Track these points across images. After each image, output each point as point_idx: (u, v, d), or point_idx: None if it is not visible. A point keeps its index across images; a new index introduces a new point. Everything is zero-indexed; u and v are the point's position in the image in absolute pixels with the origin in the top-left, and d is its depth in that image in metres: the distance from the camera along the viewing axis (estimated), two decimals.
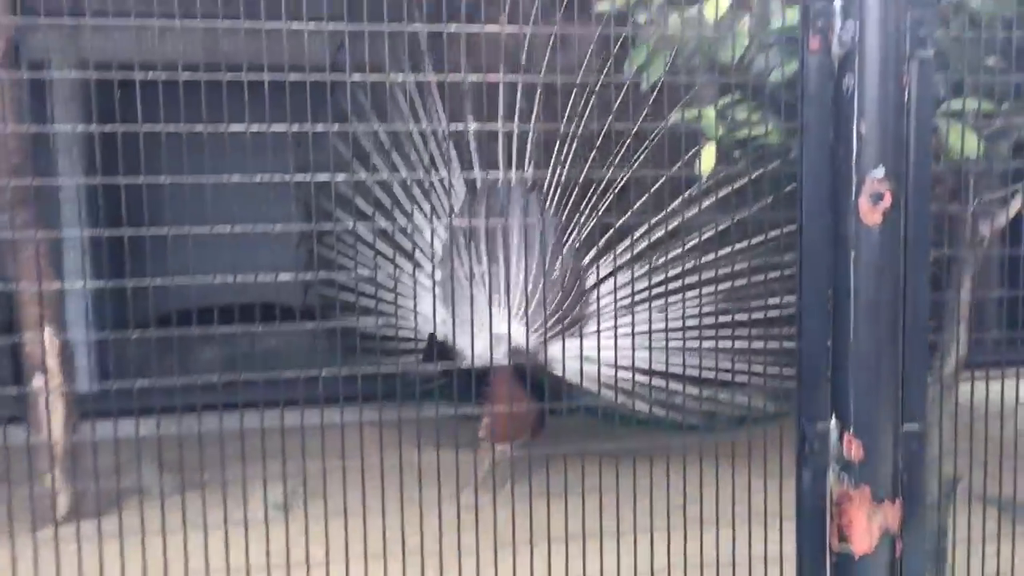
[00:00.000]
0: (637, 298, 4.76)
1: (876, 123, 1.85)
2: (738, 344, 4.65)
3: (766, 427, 4.02)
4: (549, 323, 4.92)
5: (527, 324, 4.85)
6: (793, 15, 2.66)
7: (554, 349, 4.92)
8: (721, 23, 2.79)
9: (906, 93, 1.87)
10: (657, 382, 4.78)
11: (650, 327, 4.72)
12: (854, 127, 1.87)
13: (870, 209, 1.87)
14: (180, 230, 2.33)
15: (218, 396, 2.53)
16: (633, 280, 4.83)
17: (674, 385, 4.77)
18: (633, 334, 4.74)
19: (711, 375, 4.50)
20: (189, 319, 2.44)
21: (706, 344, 4.55)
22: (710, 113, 3.02)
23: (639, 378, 4.80)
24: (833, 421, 1.97)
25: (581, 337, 4.87)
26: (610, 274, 4.95)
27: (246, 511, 2.22)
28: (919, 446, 1.98)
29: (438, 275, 4.96)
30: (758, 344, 4.46)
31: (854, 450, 1.93)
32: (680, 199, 4.65)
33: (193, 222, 2.34)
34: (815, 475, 1.98)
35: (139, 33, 2.30)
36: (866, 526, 1.94)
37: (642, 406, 4.80)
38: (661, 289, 4.82)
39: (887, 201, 1.87)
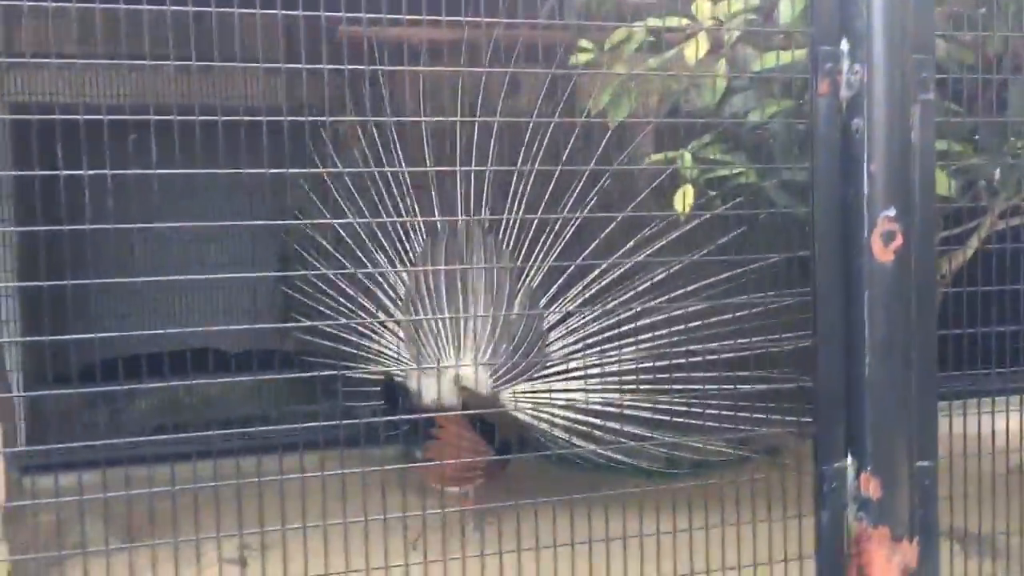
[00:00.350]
0: (594, 340, 4.75)
1: (885, 164, 1.89)
2: (697, 386, 4.62)
3: (728, 472, 4.04)
4: (506, 366, 4.87)
5: (476, 367, 4.82)
6: (771, 60, 2.71)
7: (510, 392, 4.87)
8: (699, 66, 2.83)
9: (912, 135, 1.91)
10: (615, 426, 4.73)
11: (603, 370, 4.69)
12: (864, 168, 1.89)
13: (882, 248, 1.89)
14: (160, 276, 2.21)
15: (166, 446, 2.39)
16: (585, 322, 4.82)
17: (634, 429, 4.72)
18: (585, 377, 4.72)
19: (669, 419, 4.48)
20: (128, 366, 2.29)
21: (663, 386, 4.52)
22: (687, 155, 3.05)
23: (597, 422, 4.76)
24: (849, 459, 1.97)
25: (537, 380, 4.84)
26: (568, 315, 4.94)
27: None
28: (932, 482, 2.00)
29: (401, 317, 4.87)
30: (723, 386, 4.45)
31: (872, 488, 1.93)
32: (633, 240, 4.65)
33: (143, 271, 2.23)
34: (833, 515, 1.98)
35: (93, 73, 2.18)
36: (886, 566, 1.94)
37: (602, 451, 4.75)
38: (616, 331, 4.80)
39: (898, 240, 1.89)
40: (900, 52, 1.89)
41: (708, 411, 4.41)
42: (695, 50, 2.73)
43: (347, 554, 2.01)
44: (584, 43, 3.19)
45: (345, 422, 2.24)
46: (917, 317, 1.94)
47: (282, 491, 1.96)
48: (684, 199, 2.94)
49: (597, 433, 4.75)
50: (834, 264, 1.95)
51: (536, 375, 4.89)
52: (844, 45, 1.91)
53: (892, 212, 1.88)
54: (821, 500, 1.98)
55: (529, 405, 4.81)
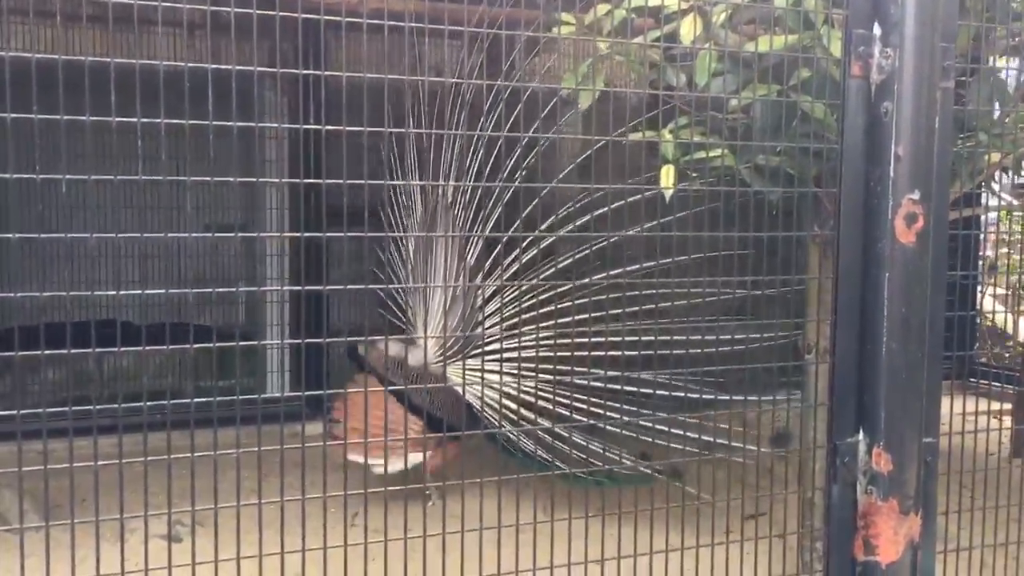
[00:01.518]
0: (511, 321, 4.64)
1: (912, 146, 1.93)
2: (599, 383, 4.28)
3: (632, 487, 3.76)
4: (449, 341, 4.81)
5: (424, 340, 4.75)
6: (764, 44, 2.74)
7: (454, 368, 4.81)
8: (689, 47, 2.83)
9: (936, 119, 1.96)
10: (528, 415, 4.49)
11: (518, 354, 4.53)
12: (891, 150, 1.93)
13: (905, 230, 1.94)
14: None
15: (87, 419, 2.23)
16: (506, 301, 4.70)
17: (546, 422, 4.42)
18: (501, 360, 4.63)
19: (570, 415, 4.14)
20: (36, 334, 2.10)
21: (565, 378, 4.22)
22: (667, 134, 3.06)
23: (512, 406, 4.60)
24: (861, 435, 2.02)
25: (473, 358, 4.77)
26: (495, 292, 4.86)
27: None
28: (934, 458, 2.07)
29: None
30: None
31: (883, 463, 1.99)
32: (556, 215, 4.47)
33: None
34: (844, 488, 2.03)
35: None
36: (893, 537, 2.00)
37: (527, 443, 4.59)
38: (529, 314, 4.63)
39: (920, 222, 1.94)
40: (930, 38, 1.93)
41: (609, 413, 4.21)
42: (692, 28, 2.74)
43: (283, 533, 1.91)
44: (567, 16, 3.15)
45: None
46: (930, 298, 2.00)
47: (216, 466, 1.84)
48: (667, 178, 2.95)
49: (521, 422, 4.56)
50: (856, 244, 1.99)
51: (471, 353, 4.83)
52: (877, 29, 1.94)
53: (916, 195, 1.93)
54: (833, 474, 2.03)
55: (471, 383, 4.72)
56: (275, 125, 5.21)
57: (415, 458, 4.39)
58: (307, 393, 5.56)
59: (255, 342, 6.15)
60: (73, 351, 1.80)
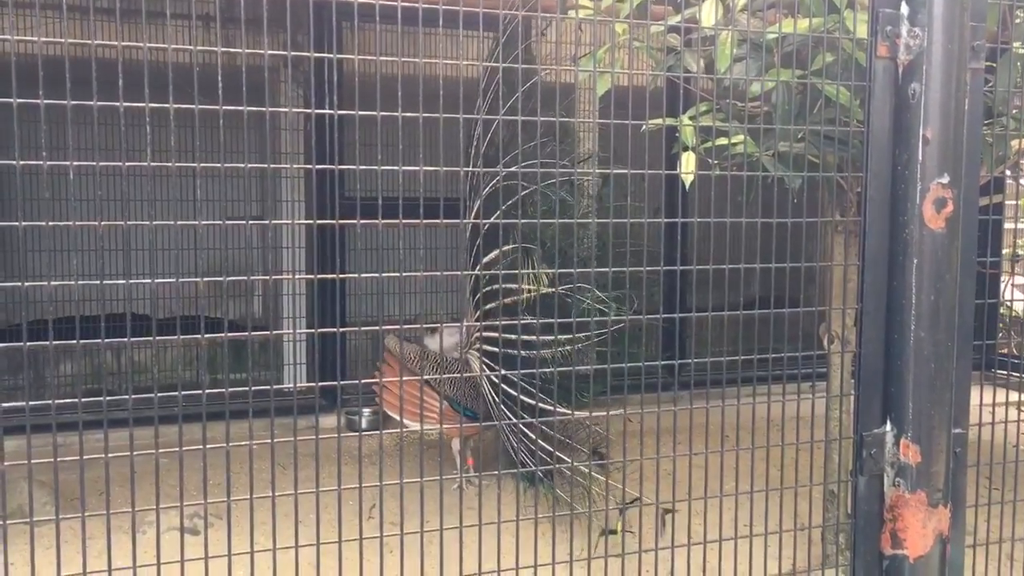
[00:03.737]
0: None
1: (940, 129, 1.87)
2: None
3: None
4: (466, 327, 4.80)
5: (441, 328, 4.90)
6: (788, 26, 2.68)
7: (474, 353, 4.80)
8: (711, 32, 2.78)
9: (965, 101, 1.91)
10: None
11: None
12: (919, 133, 1.88)
13: (934, 215, 1.89)
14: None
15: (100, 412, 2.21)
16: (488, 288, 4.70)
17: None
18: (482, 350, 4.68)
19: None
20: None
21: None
22: (687, 122, 3.01)
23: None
24: (888, 426, 1.97)
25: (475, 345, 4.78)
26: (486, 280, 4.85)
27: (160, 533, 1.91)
28: (963, 450, 2.02)
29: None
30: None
31: (911, 454, 1.94)
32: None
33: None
34: (871, 480, 1.98)
35: None
36: (921, 530, 1.95)
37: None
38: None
39: (949, 207, 1.89)
40: (959, 17, 1.87)
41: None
42: (712, 10, 2.69)
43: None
44: (584, 0, 3.10)
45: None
46: (959, 285, 1.95)
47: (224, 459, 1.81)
48: (688, 165, 2.90)
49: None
50: (882, 230, 1.94)
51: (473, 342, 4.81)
52: (904, 8, 1.88)
53: (945, 179, 1.88)
54: (859, 466, 1.98)
55: (479, 369, 4.71)
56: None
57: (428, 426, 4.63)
58: (321, 383, 5.59)
59: (267, 332, 6.12)
60: (83, 342, 1.77)
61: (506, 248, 4.29)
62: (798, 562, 2.32)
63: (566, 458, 4.13)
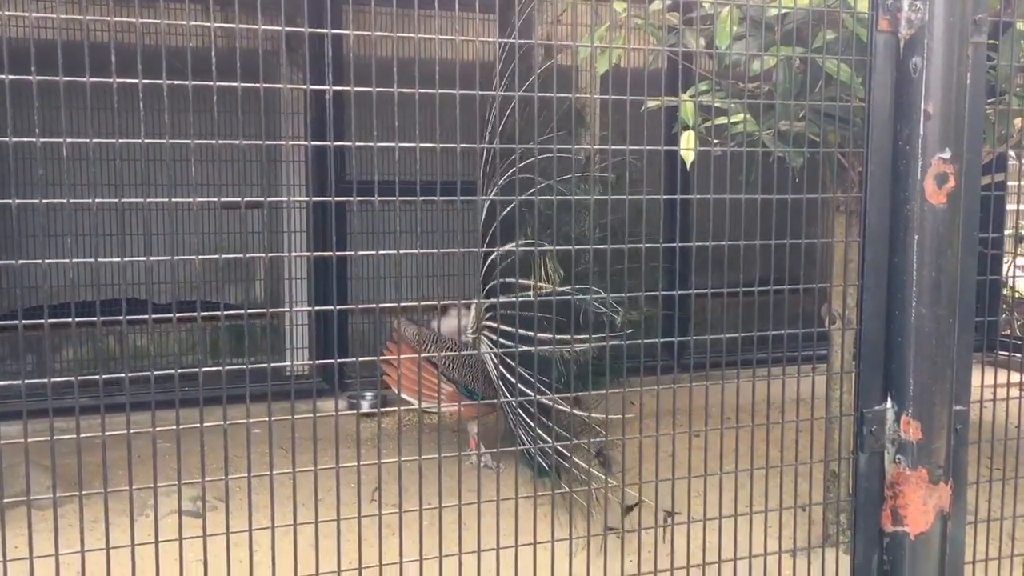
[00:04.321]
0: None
1: (942, 103, 1.86)
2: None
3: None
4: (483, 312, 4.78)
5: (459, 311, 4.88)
6: (788, 2, 2.66)
7: (484, 338, 4.79)
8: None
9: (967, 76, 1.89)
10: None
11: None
12: (920, 107, 1.86)
13: (935, 191, 1.87)
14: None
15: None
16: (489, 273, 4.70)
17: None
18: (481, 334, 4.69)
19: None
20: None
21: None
22: (687, 101, 2.99)
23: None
24: (889, 403, 1.96)
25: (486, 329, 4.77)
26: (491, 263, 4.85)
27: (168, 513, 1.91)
28: (965, 426, 2.01)
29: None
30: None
31: (912, 431, 1.93)
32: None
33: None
34: (871, 458, 1.97)
35: None
36: (922, 507, 1.94)
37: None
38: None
39: (951, 183, 1.87)
40: None
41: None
42: None
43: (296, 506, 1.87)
44: None
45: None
46: (960, 262, 1.93)
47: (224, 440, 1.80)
48: (688, 143, 2.89)
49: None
50: (883, 206, 1.92)
51: (484, 324, 4.81)
52: None
53: (947, 154, 1.86)
54: (860, 443, 1.98)
55: (488, 353, 4.72)
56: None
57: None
58: (319, 361, 5.59)
59: (263, 310, 6.13)
60: (79, 319, 1.77)
61: (522, 242, 4.25)
62: (799, 541, 2.32)
63: (572, 451, 4.10)
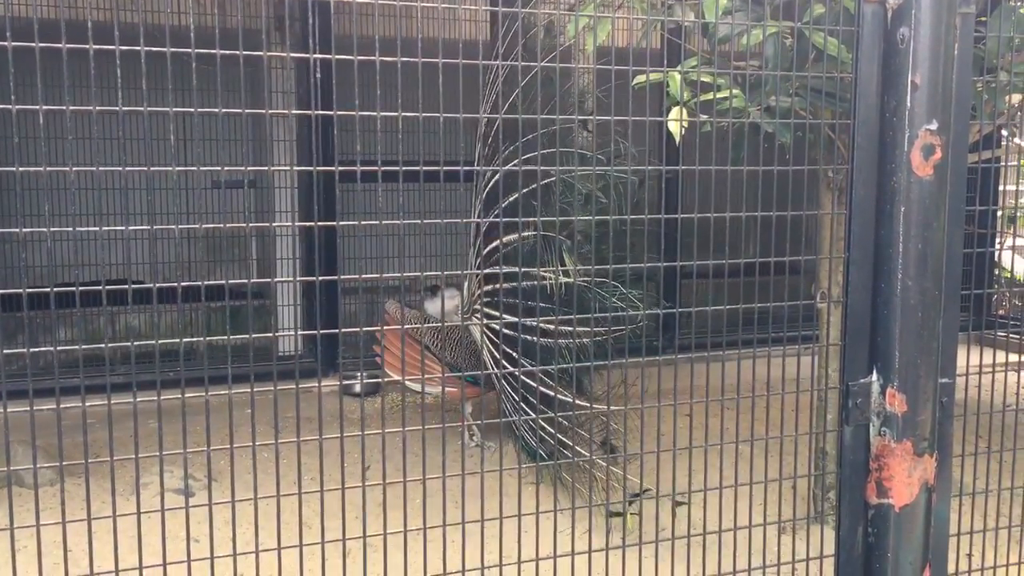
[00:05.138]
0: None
1: (929, 74, 1.85)
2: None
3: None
4: (473, 294, 4.76)
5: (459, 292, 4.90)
6: None
7: (475, 319, 4.78)
8: None
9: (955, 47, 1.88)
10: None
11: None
12: (907, 78, 1.85)
13: (922, 162, 1.86)
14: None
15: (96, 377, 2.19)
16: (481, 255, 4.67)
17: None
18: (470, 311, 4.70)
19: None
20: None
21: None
22: (676, 76, 2.97)
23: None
24: (875, 375, 1.96)
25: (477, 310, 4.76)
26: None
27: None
28: (950, 399, 2.01)
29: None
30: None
31: (897, 404, 1.93)
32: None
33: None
34: (857, 430, 1.97)
35: None
36: (907, 479, 1.94)
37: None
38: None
39: (938, 154, 1.86)
40: None
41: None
42: None
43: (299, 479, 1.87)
44: None
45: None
46: (947, 234, 1.93)
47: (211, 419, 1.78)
48: (678, 119, 2.87)
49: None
50: (870, 178, 1.91)
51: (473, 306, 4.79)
52: None
53: (934, 125, 1.85)
54: (845, 415, 1.98)
55: (479, 332, 4.71)
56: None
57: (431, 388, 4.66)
58: (302, 331, 5.58)
59: (246, 280, 6.13)
60: (77, 290, 1.75)
61: (526, 234, 4.22)
62: (784, 515, 2.32)
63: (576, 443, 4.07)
